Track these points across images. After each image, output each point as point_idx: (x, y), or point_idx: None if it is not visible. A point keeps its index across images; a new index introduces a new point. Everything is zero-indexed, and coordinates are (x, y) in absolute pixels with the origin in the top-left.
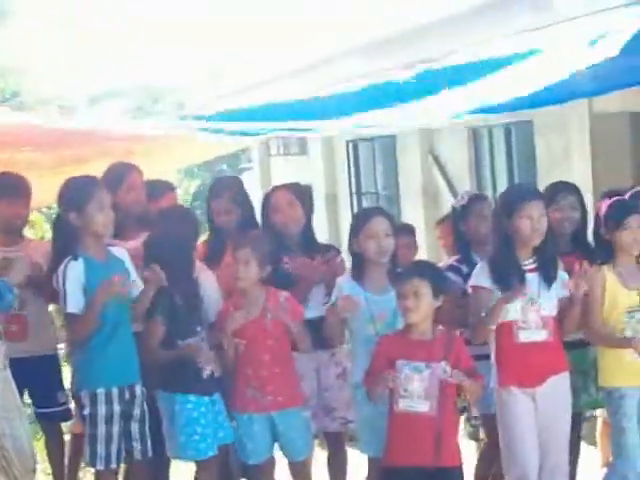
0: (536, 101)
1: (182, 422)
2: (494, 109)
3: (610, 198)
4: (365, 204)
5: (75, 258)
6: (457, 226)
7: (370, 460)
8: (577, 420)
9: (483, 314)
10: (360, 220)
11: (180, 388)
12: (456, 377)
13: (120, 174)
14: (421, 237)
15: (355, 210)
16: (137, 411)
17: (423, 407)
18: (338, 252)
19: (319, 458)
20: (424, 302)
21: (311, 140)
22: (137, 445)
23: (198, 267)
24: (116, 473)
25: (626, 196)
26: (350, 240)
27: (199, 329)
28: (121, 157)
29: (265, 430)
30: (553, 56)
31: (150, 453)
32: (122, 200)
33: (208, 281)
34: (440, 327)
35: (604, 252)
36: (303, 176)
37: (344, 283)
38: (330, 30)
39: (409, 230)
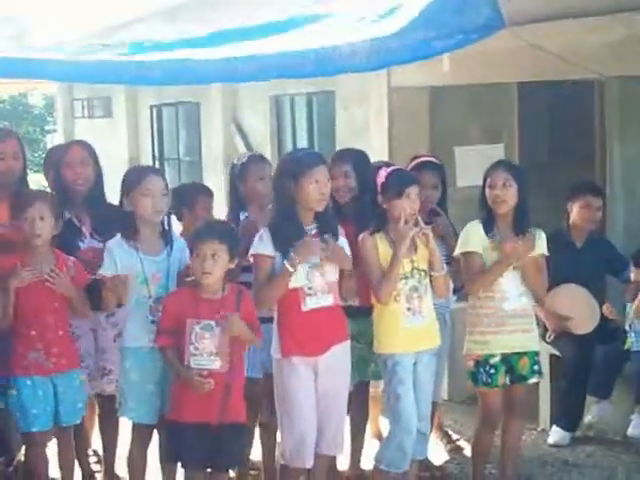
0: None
1: None
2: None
3: (387, 168)
4: (167, 169)
5: None
6: (234, 184)
7: (135, 426)
8: (364, 389)
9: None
10: (134, 178)
11: None
12: None
13: None
14: (222, 202)
15: None
16: None
17: (214, 365)
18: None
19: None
20: (220, 264)
21: (115, 103)
22: None
23: None
24: None
25: (408, 167)
26: (121, 198)
27: None
28: None
29: (48, 394)
30: (334, 25)
31: None
32: None
33: None
34: (229, 284)
35: (379, 220)
36: (107, 139)
37: (114, 245)
38: None
39: (207, 192)
